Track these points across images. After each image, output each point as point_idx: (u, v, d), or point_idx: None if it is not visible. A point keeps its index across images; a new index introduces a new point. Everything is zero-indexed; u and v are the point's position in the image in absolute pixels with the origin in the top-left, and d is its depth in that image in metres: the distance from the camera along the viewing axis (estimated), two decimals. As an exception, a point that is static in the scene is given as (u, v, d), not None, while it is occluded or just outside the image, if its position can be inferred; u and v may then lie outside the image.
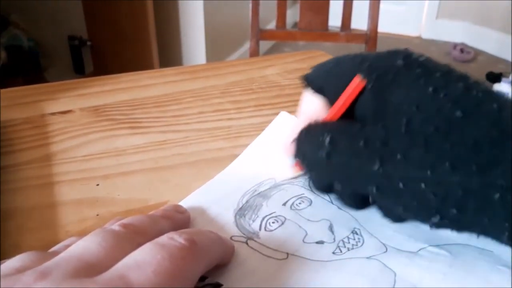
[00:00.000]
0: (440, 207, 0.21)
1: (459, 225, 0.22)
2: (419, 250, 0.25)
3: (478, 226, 0.22)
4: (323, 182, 0.28)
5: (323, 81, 0.28)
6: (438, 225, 0.22)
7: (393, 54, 0.25)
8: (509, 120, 0.21)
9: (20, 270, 0.18)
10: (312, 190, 0.30)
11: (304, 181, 0.31)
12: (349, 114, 0.26)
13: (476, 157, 0.21)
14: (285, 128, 0.37)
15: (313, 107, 0.28)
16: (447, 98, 0.22)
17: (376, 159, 0.22)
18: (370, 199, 0.25)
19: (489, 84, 2.28)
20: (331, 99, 0.27)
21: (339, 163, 0.24)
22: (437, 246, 0.25)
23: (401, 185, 0.22)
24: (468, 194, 0.21)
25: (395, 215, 0.26)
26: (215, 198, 0.30)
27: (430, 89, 0.23)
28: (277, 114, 0.39)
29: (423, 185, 0.21)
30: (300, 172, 0.30)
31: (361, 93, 0.25)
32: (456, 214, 0.21)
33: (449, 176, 0.21)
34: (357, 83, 0.25)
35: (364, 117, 0.25)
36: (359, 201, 0.27)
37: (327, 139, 0.24)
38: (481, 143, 0.21)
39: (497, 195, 0.20)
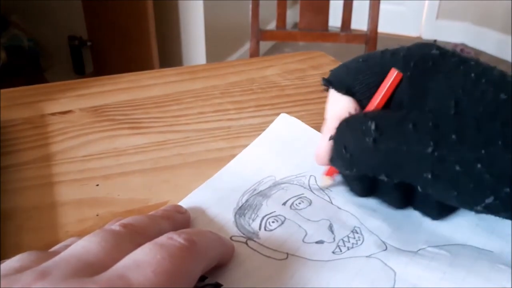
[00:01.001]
0: (495, 187, 0.22)
1: (506, 206, 0.22)
2: (419, 250, 0.25)
3: None
4: (364, 182, 0.27)
5: (352, 80, 0.27)
6: (487, 208, 0.23)
7: (426, 45, 0.26)
8: None
9: (20, 270, 0.18)
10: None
11: (304, 180, 0.31)
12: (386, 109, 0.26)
13: None
14: (285, 130, 0.37)
15: (343, 108, 0.27)
16: (489, 83, 0.23)
17: (429, 142, 0.22)
18: (420, 189, 0.24)
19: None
20: (363, 98, 0.27)
21: (387, 149, 0.23)
22: (437, 246, 0.25)
23: (458, 167, 0.22)
24: None
25: (437, 211, 0.27)
26: (215, 197, 0.30)
27: (472, 75, 0.24)
28: (277, 114, 0.39)
29: (479, 165, 0.22)
30: (332, 181, 0.29)
31: (397, 86, 0.25)
32: (509, 192, 0.22)
33: (502, 154, 0.21)
34: (394, 75, 0.25)
35: (401, 106, 0.25)
36: (404, 198, 0.27)
37: (373, 126, 0.23)
38: None
39: None
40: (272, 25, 1.55)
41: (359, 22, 1.54)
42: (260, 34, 1.26)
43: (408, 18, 3.03)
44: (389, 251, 0.25)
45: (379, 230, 0.27)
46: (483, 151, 0.22)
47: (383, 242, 0.26)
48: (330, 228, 0.27)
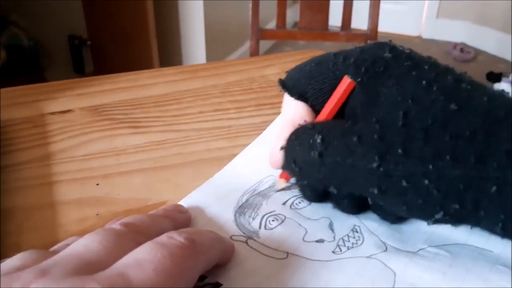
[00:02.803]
0: (443, 203, 0.21)
1: (458, 220, 0.22)
2: (419, 250, 0.25)
3: (474, 219, 0.22)
4: (317, 190, 0.27)
5: (305, 86, 0.27)
6: (438, 222, 0.22)
7: (378, 46, 0.25)
8: (499, 111, 0.21)
9: (20, 269, 0.18)
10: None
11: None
12: (339, 117, 0.26)
13: (474, 149, 0.21)
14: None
15: (297, 113, 0.27)
16: (440, 92, 0.22)
17: (374, 156, 0.21)
18: (370, 201, 0.24)
19: (490, 84, 2.28)
20: (316, 104, 0.27)
21: (333, 163, 0.23)
22: (437, 246, 0.25)
23: (404, 182, 0.21)
24: (468, 188, 0.21)
25: (393, 216, 0.26)
26: (215, 197, 0.30)
27: (424, 82, 0.23)
28: (277, 113, 0.39)
29: (426, 181, 0.21)
30: (287, 184, 0.29)
31: (351, 93, 0.25)
32: (458, 209, 0.21)
33: (450, 169, 0.21)
34: (347, 83, 0.24)
35: (355, 114, 0.24)
36: (357, 205, 0.27)
37: (318, 139, 0.23)
38: (476, 134, 0.21)
39: (494, 188, 0.20)
40: (272, 24, 1.55)
41: (359, 21, 1.54)
42: (260, 33, 1.26)
43: (408, 17, 3.03)
44: (389, 252, 0.25)
45: (379, 231, 0.27)
46: (430, 166, 0.21)
47: (383, 243, 0.26)
48: (331, 226, 0.27)
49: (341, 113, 0.26)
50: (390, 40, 0.26)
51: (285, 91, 0.28)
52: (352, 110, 0.25)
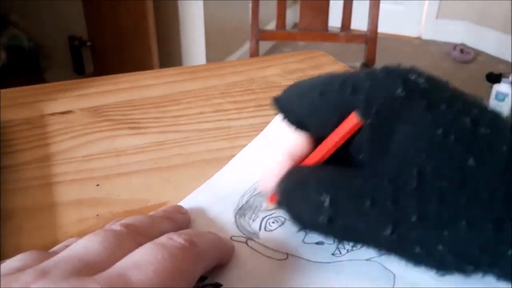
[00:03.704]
0: (457, 265, 0.20)
1: (470, 275, 0.21)
2: (419, 250, 0.25)
3: (488, 274, 0.21)
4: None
5: (307, 115, 0.24)
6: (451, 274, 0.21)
7: (390, 80, 0.22)
8: None
9: (20, 270, 0.18)
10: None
11: None
12: (340, 151, 0.23)
13: (491, 213, 0.19)
14: (284, 129, 0.37)
15: (293, 143, 0.24)
16: (457, 142, 0.20)
17: (388, 223, 0.20)
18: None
19: (489, 85, 2.28)
20: (319, 133, 0.24)
21: (344, 227, 0.21)
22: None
23: (417, 249, 0.20)
24: (484, 252, 0.19)
25: None
26: (215, 198, 0.30)
27: (440, 131, 0.20)
28: (277, 114, 0.39)
29: (440, 247, 0.19)
30: (275, 206, 0.26)
31: (358, 130, 0.22)
32: (473, 270, 0.20)
33: (466, 235, 0.19)
34: (354, 122, 0.22)
35: (360, 154, 0.22)
36: None
37: (327, 201, 0.21)
38: (496, 195, 0.19)
39: (510, 251, 0.19)
40: (272, 25, 1.55)
41: (359, 22, 1.54)
42: (260, 34, 1.26)
43: (408, 18, 3.03)
44: (388, 255, 0.25)
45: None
46: (445, 232, 0.19)
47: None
48: (330, 228, 0.27)
49: (342, 148, 0.23)
50: (399, 65, 0.23)
51: (283, 118, 0.25)
52: (359, 149, 0.22)
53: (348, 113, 0.22)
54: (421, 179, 0.20)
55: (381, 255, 0.25)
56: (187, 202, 0.29)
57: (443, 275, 0.21)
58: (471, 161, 0.19)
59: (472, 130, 0.20)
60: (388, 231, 0.20)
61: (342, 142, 0.22)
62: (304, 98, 0.24)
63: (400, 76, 0.22)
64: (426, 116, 0.20)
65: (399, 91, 0.21)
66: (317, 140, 0.24)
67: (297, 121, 0.25)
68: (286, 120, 0.25)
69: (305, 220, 0.22)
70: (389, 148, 0.21)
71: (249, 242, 0.26)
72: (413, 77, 0.22)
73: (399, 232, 0.20)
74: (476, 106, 0.21)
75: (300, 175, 0.23)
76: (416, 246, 0.20)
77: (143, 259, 0.19)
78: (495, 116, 0.21)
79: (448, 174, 0.19)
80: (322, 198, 0.21)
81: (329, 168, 0.23)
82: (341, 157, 0.23)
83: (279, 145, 0.25)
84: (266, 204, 0.28)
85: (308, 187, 0.22)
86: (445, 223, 0.19)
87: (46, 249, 0.23)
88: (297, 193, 0.22)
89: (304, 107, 0.24)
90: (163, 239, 0.20)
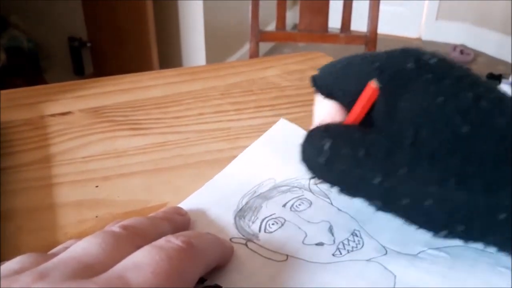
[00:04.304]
0: (447, 223, 0.21)
1: (466, 239, 0.22)
2: (419, 253, 0.25)
3: (483, 242, 0.22)
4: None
5: (333, 85, 0.27)
6: (446, 237, 0.22)
7: (404, 54, 0.24)
8: None
9: (19, 272, 0.18)
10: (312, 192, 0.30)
11: (304, 183, 0.31)
12: (368, 120, 0.25)
13: (483, 176, 0.20)
14: (284, 135, 0.37)
15: (326, 111, 0.27)
16: (455, 110, 0.21)
17: (378, 172, 0.21)
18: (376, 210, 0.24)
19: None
20: (345, 103, 0.26)
21: (339, 170, 0.23)
22: (437, 248, 0.25)
23: (406, 200, 0.21)
24: (474, 212, 0.20)
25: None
26: (215, 199, 0.30)
27: (440, 99, 0.22)
28: (277, 115, 0.39)
29: (430, 201, 0.21)
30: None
31: (377, 99, 0.24)
32: (464, 230, 0.21)
33: (455, 193, 0.20)
34: (372, 90, 0.24)
35: (376, 121, 0.24)
36: None
37: (327, 145, 0.23)
38: (488, 161, 0.20)
39: (503, 215, 0.20)
40: (271, 26, 1.55)
41: (359, 23, 1.54)
42: (260, 35, 1.26)
43: (408, 19, 3.03)
44: (389, 255, 0.25)
45: (379, 234, 0.27)
46: (434, 188, 0.20)
47: (383, 247, 0.26)
48: (330, 230, 0.27)
49: (369, 116, 0.25)
50: (419, 48, 0.25)
51: (315, 89, 0.28)
52: (377, 116, 0.25)
53: (366, 83, 0.24)
54: (416, 139, 0.21)
55: (382, 255, 0.25)
56: (187, 204, 0.29)
57: (439, 235, 0.22)
58: (465, 128, 0.21)
59: (472, 104, 0.21)
60: (377, 180, 0.21)
61: (365, 111, 0.25)
62: (333, 68, 0.27)
63: (414, 54, 0.24)
64: (430, 87, 0.22)
65: (410, 64, 0.23)
66: (348, 110, 0.26)
67: (328, 91, 0.27)
68: (320, 92, 0.27)
69: (308, 161, 0.24)
70: (395, 112, 0.23)
71: (249, 244, 0.26)
72: (426, 56, 0.24)
73: (388, 183, 0.21)
74: (484, 86, 0.23)
75: (314, 129, 0.25)
76: (404, 198, 0.21)
77: (141, 261, 0.19)
78: (501, 96, 0.22)
79: (442, 138, 0.21)
80: (323, 142, 0.23)
81: (342, 124, 0.25)
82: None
83: (316, 117, 0.28)
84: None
85: (315, 135, 0.24)
86: (433, 180, 0.20)
87: (45, 250, 0.23)
88: (308, 139, 0.25)
89: (332, 76, 0.27)
90: (161, 241, 0.20)
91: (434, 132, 0.21)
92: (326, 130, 0.24)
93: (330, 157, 0.23)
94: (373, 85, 0.24)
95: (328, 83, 0.27)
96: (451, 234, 0.21)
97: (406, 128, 0.22)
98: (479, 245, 0.25)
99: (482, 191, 0.20)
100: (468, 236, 0.21)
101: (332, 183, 0.24)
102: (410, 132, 0.21)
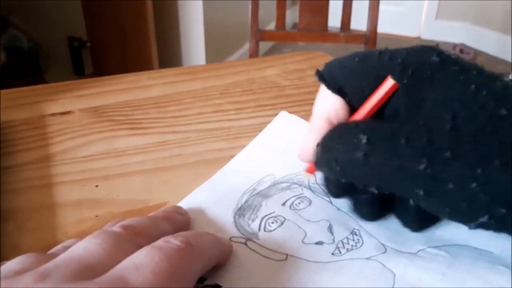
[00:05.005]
0: (490, 207, 0.21)
1: (502, 225, 0.22)
2: (418, 251, 0.25)
3: None
4: (342, 186, 0.26)
5: (345, 80, 0.26)
6: (481, 226, 0.22)
7: (426, 50, 0.25)
8: None
9: (20, 272, 0.18)
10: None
11: (304, 180, 0.31)
12: (375, 116, 0.25)
13: None
14: (285, 128, 0.37)
15: (331, 108, 0.27)
16: (489, 97, 0.22)
17: (422, 158, 0.21)
18: (412, 202, 0.24)
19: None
20: (354, 100, 0.26)
21: (379, 164, 0.22)
22: (436, 247, 0.25)
23: (451, 185, 0.21)
24: None
25: (416, 224, 0.26)
26: (214, 198, 0.30)
27: (473, 86, 0.22)
28: (276, 115, 0.39)
29: (474, 184, 0.20)
30: (312, 177, 0.29)
31: (392, 94, 0.24)
32: (505, 213, 0.21)
33: (499, 174, 0.20)
34: (391, 84, 0.24)
35: (396, 115, 0.24)
36: (377, 209, 0.26)
37: (364, 139, 0.22)
38: None
39: None
40: (271, 26, 1.55)
41: (359, 23, 1.54)
42: (259, 35, 1.26)
43: (408, 18, 3.03)
44: (388, 254, 0.25)
45: (378, 233, 0.27)
46: (479, 170, 0.20)
47: (382, 245, 0.26)
48: (330, 229, 0.27)
49: (378, 114, 0.26)
50: (437, 44, 0.25)
51: (323, 83, 0.27)
52: (394, 111, 0.25)
53: (384, 78, 0.24)
54: (455, 122, 0.21)
55: (381, 253, 0.25)
56: (187, 202, 0.29)
57: (476, 227, 0.22)
58: (503, 111, 0.21)
59: (503, 91, 0.22)
60: (422, 166, 0.21)
61: (379, 105, 0.25)
62: (344, 65, 0.27)
63: (435, 49, 0.25)
64: (459, 77, 0.23)
65: (434, 58, 0.24)
66: (352, 109, 0.27)
67: (337, 86, 0.27)
68: (327, 87, 0.27)
69: (342, 160, 0.24)
70: (424, 104, 0.23)
71: (248, 243, 0.26)
72: (446, 52, 0.25)
73: (432, 168, 0.21)
74: (501, 78, 0.23)
75: (339, 127, 0.25)
76: (449, 182, 0.21)
77: (141, 261, 0.19)
78: None
79: (481, 121, 0.21)
80: (359, 137, 0.23)
81: (366, 120, 0.25)
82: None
83: (317, 111, 0.27)
84: (302, 175, 0.30)
85: (346, 131, 0.24)
86: (478, 162, 0.20)
87: (45, 249, 0.23)
88: (335, 136, 0.24)
89: (343, 72, 0.26)
90: (160, 242, 0.20)
91: (471, 116, 0.21)
92: (357, 126, 0.24)
93: (369, 150, 0.22)
94: (391, 80, 0.24)
95: (338, 78, 0.27)
96: (491, 219, 0.21)
97: (443, 114, 0.22)
98: (477, 244, 0.25)
99: None
100: (506, 221, 0.21)
101: (368, 180, 0.23)
102: (448, 117, 0.22)
